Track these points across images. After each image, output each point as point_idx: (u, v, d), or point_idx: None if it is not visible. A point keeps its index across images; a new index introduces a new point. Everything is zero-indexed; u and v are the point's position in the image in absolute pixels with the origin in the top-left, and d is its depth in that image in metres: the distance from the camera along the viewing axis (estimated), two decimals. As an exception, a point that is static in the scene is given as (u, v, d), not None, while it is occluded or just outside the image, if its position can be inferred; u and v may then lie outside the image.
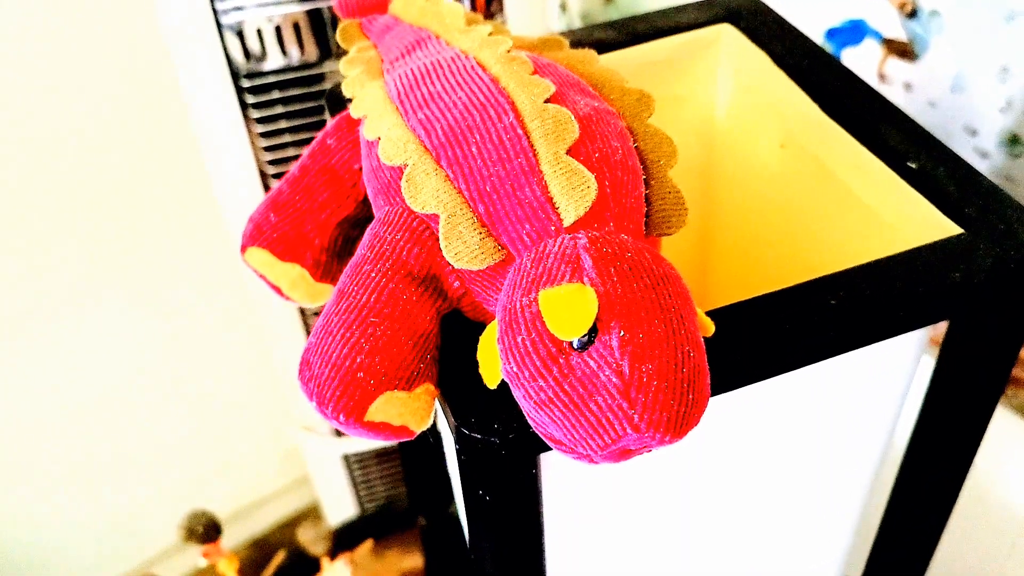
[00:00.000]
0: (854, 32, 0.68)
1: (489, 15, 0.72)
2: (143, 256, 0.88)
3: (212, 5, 0.65)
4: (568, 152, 0.29)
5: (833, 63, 0.44)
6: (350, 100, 0.36)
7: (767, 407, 0.37)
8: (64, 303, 0.86)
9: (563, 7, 0.94)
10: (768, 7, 0.48)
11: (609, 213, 0.28)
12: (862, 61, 0.68)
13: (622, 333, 0.25)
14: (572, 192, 0.28)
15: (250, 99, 0.68)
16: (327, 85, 0.69)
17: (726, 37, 0.47)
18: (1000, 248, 0.35)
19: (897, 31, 0.65)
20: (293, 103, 0.69)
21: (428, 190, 0.29)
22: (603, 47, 0.46)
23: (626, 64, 0.46)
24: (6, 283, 0.82)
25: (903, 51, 0.66)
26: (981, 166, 0.64)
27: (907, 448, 0.41)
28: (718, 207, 0.51)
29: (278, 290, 0.38)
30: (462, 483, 0.32)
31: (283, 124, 0.70)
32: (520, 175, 0.28)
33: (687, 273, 0.54)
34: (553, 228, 0.28)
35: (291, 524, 1.09)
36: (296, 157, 0.72)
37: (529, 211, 0.28)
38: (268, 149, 0.71)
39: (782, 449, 0.40)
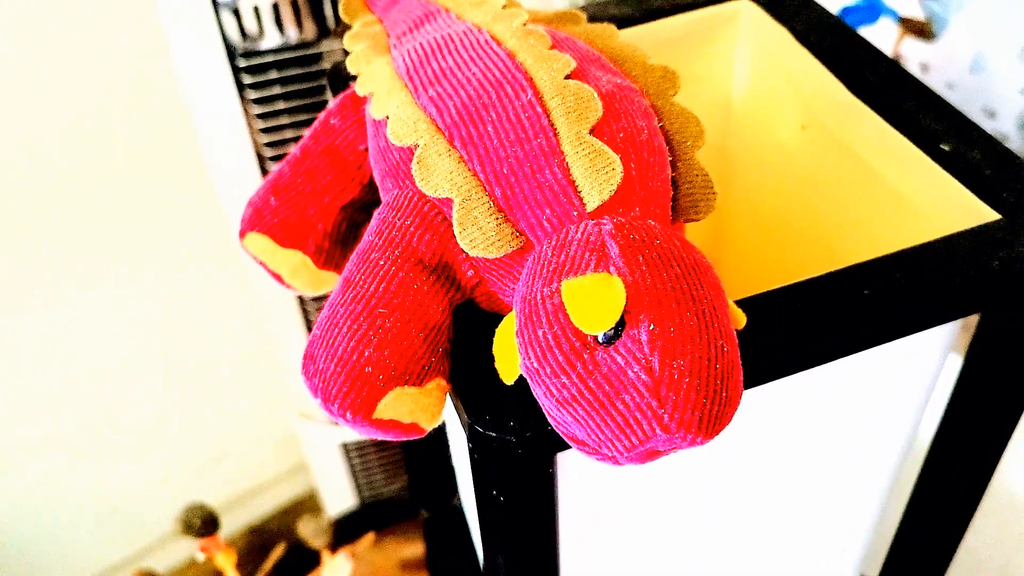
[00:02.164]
0: (870, 10, 0.66)
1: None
2: (139, 241, 0.86)
3: (207, -20, 0.62)
4: (591, 132, 0.27)
5: (858, 39, 0.42)
6: (355, 77, 0.33)
7: (789, 401, 0.35)
8: (59, 288, 0.84)
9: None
10: (789, -19, 0.46)
11: (635, 197, 0.27)
12: (878, 40, 0.66)
13: (651, 327, 0.24)
14: (596, 175, 0.26)
15: (247, 79, 0.66)
16: (326, 65, 0.67)
17: (745, 12, 0.45)
18: (1040, 235, 0.33)
19: (914, 10, 0.63)
20: (291, 83, 0.67)
21: (441, 172, 0.27)
22: (618, 23, 0.44)
23: (642, 41, 0.44)
24: (2, 268, 0.80)
25: (920, 30, 0.64)
26: (1000, 149, 0.62)
27: (931, 445, 0.39)
28: (736, 190, 0.49)
29: (278, 278, 0.36)
30: (475, 483, 0.30)
31: (281, 105, 0.68)
32: (540, 156, 0.26)
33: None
34: (575, 213, 0.26)
35: (289, 511, 1.08)
36: (294, 139, 0.70)
37: (550, 195, 0.26)
38: (265, 131, 0.69)
39: (801, 445, 0.38)
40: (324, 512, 0.98)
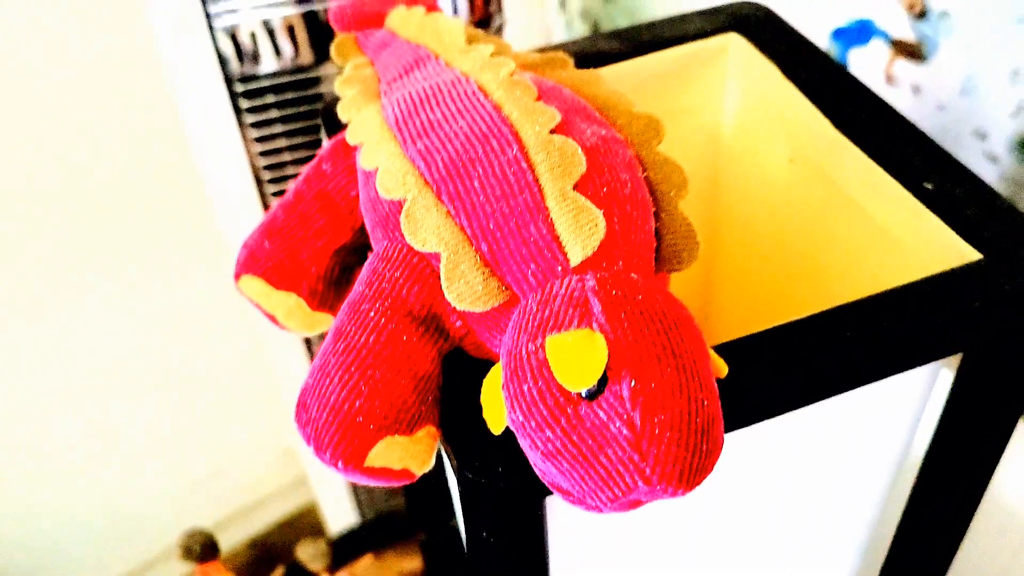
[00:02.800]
0: (861, 32, 0.67)
1: (487, 13, 0.71)
2: (140, 258, 0.87)
3: (205, 7, 0.63)
4: (575, 187, 0.27)
5: (845, 75, 0.43)
6: (346, 125, 0.34)
7: (776, 439, 0.36)
8: (60, 304, 0.85)
9: (562, 3, 0.92)
10: (777, 15, 0.47)
11: (618, 251, 0.27)
12: (869, 62, 0.67)
13: (633, 383, 0.24)
14: (579, 231, 0.27)
15: (244, 103, 0.67)
16: (323, 89, 0.68)
17: (734, 47, 0.45)
18: (1021, 275, 0.33)
19: (906, 32, 0.64)
20: (288, 107, 0.68)
21: (428, 227, 0.28)
22: (607, 58, 0.44)
23: (631, 75, 0.45)
24: (3, 284, 0.81)
25: (912, 52, 0.65)
26: (991, 171, 0.63)
27: (918, 477, 0.40)
28: (725, 221, 0.50)
29: (273, 319, 0.37)
30: (465, 525, 0.31)
31: (278, 128, 0.68)
32: (525, 212, 0.27)
33: (693, 290, 0.53)
34: (560, 268, 0.27)
35: (289, 525, 1.08)
36: (292, 162, 0.70)
37: (534, 250, 0.27)
38: (263, 154, 0.69)
39: (790, 481, 0.39)
40: (325, 527, 0.98)
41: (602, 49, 0.45)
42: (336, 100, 0.37)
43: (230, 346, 0.98)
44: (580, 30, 0.92)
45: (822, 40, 0.69)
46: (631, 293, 0.26)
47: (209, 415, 1.01)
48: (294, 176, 0.71)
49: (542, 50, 0.42)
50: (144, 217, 0.85)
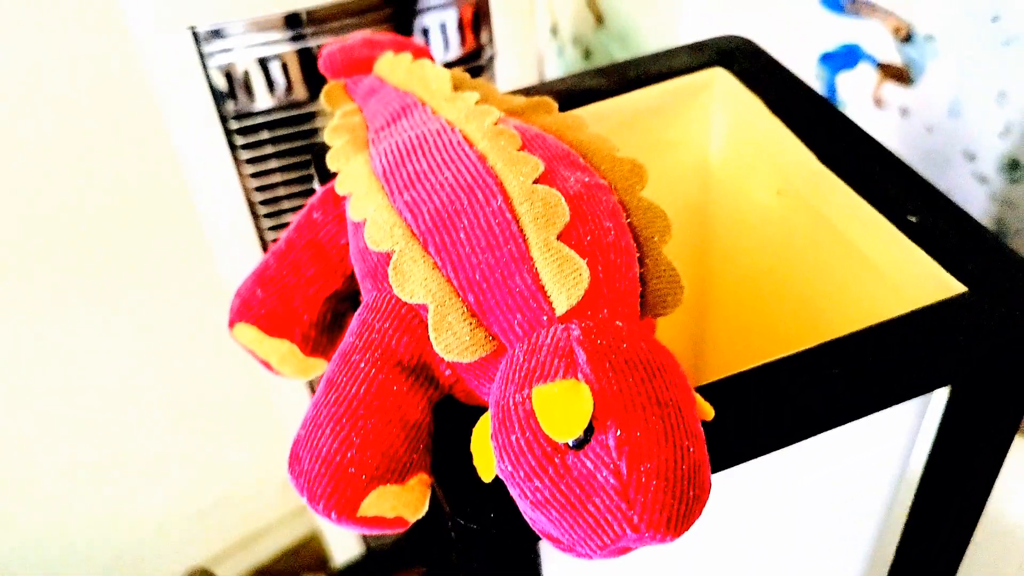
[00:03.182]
0: (849, 57, 0.67)
1: (478, 45, 0.72)
2: (140, 292, 0.87)
3: (198, 47, 0.64)
4: (559, 236, 0.28)
5: (829, 108, 0.43)
6: (335, 174, 0.35)
7: (766, 475, 0.36)
8: (61, 336, 0.86)
9: (554, 31, 0.93)
10: (762, 49, 0.47)
11: (603, 299, 0.28)
12: (858, 86, 0.67)
13: (618, 432, 0.25)
14: (564, 280, 0.27)
15: (239, 140, 0.67)
16: (317, 124, 0.68)
17: (719, 81, 0.46)
18: (1005, 307, 0.34)
19: (892, 56, 0.64)
20: (283, 142, 0.68)
21: (416, 279, 0.28)
22: (595, 95, 0.45)
23: (618, 111, 0.45)
24: (3, 315, 0.82)
25: (899, 76, 0.65)
26: (981, 191, 0.63)
27: (913, 503, 0.40)
28: (716, 253, 0.50)
29: (267, 365, 0.37)
30: (461, 570, 0.31)
31: (273, 164, 0.69)
32: (510, 262, 0.28)
33: (688, 323, 0.53)
34: (545, 318, 0.27)
35: (292, 554, 1.08)
36: (287, 196, 0.71)
37: (520, 300, 0.27)
38: (259, 189, 0.70)
39: (784, 514, 0.39)
40: (328, 557, 0.98)
41: (589, 86, 0.45)
42: (326, 147, 0.37)
43: (230, 377, 0.98)
44: (572, 56, 0.93)
45: (810, 65, 0.69)
46: (616, 342, 0.26)
47: (211, 445, 1.02)
48: (290, 210, 0.72)
49: (528, 91, 0.43)
50: (143, 252, 0.85)
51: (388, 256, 0.29)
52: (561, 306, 0.27)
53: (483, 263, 0.28)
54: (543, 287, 0.27)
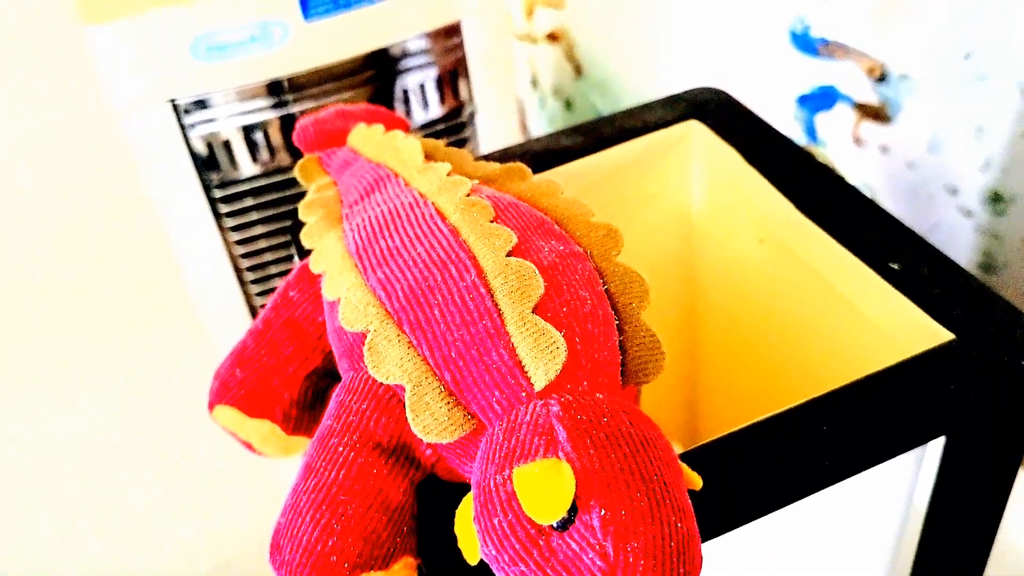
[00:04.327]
0: (825, 98, 0.68)
1: (459, 103, 0.72)
2: (131, 362, 0.87)
3: (179, 118, 0.64)
4: (534, 310, 0.27)
5: (805, 156, 0.43)
6: (309, 251, 0.34)
7: (763, 539, 0.35)
8: (54, 403, 0.85)
9: (534, 83, 0.94)
10: (735, 100, 0.47)
11: (581, 372, 0.27)
12: (836, 126, 0.68)
13: (603, 512, 0.24)
14: (541, 355, 0.27)
15: (223, 208, 0.68)
16: (302, 188, 0.68)
17: (695, 134, 0.46)
18: (992, 353, 0.33)
19: (868, 95, 0.65)
20: (268, 208, 0.68)
21: (391, 359, 0.28)
22: (571, 154, 0.45)
23: (596, 169, 0.45)
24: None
25: (876, 114, 0.66)
26: (966, 225, 0.63)
27: (915, 558, 0.39)
28: (703, 304, 0.50)
29: (249, 446, 0.36)
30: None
31: (259, 230, 0.69)
32: (486, 338, 0.27)
33: (680, 377, 0.53)
34: (524, 394, 0.27)
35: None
36: (273, 261, 0.71)
37: (498, 377, 0.27)
38: (245, 256, 0.70)
39: (785, 571, 0.38)
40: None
41: (565, 145, 0.45)
42: (301, 224, 0.37)
43: (226, 442, 0.97)
44: (554, 107, 0.93)
45: (789, 107, 0.70)
46: (597, 416, 0.25)
47: (208, 510, 1.00)
48: (277, 275, 0.72)
49: (504, 153, 0.43)
50: (130, 321, 0.85)
51: (363, 336, 0.29)
52: (539, 381, 0.26)
53: (459, 340, 0.27)
54: (520, 363, 0.27)
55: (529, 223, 0.31)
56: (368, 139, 0.39)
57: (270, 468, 0.95)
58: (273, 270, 0.71)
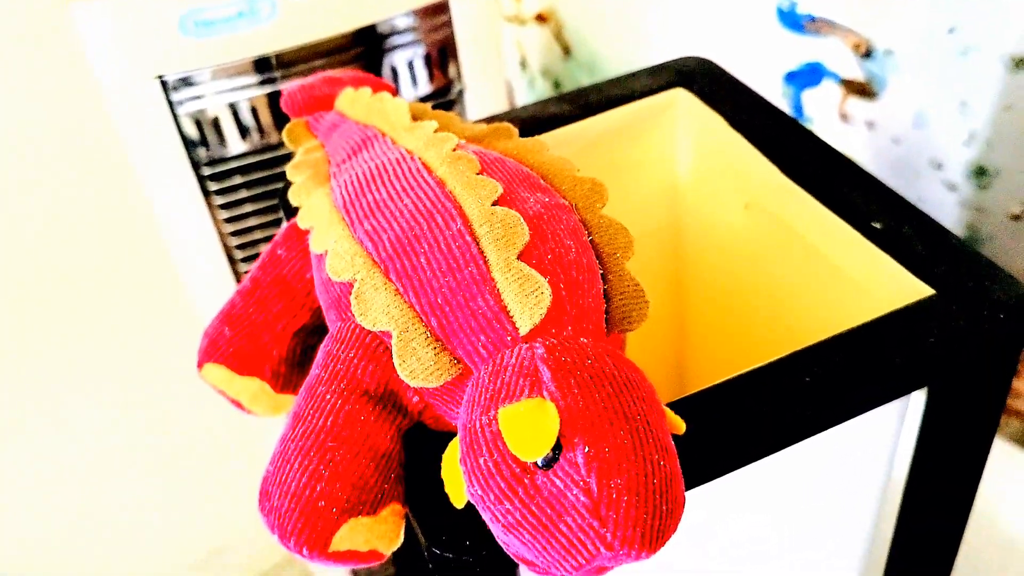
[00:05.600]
0: (812, 74, 0.68)
1: (447, 81, 0.72)
2: (117, 340, 0.87)
3: (167, 95, 0.64)
4: (519, 256, 0.28)
5: (790, 122, 0.44)
6: (297, 211, 0.35)
7: (750, 487, 0.36)
8: (47, 393, 0.85)
9: (523, 64, 0.94)
10: (721, 68, 0.48)
11: (566, 317, 0.27)
12: (823, 102, 0.68)
13: (587, 449, 0.24)
14: (526, 299, 0.27)
15: (212, 185, 0.68)
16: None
17: (681, 101, 0.47)
18: (973, 307, 0.34)
19: (854, 71, 0.65)
20: (256, 186, 0.68)
21: (378, 306, 0.28)
22: (558, 121, 0.45)
23: (582, 136, 0.45)
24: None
25: (862, 90, 0.66)
26: (951, 199, 0.64)
27: (900, 506, 0.40)
28: (690, 269, 0.50)
29: (239, 404, 0.37)
30: (439, 602, 0.30)
31: (248, 208, 0.69)
32: (472, 284, 0.27)
33: (668, 341, 0.53)
34: (509, 338, 0.27)
35: (288, 603, 1.06)
36: (263, 239, 0.71)
37: (483, 322, 0.27)
38: (234, 234, 0.70)
39: (769, 524, 0.39)
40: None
41: (553, 112, 0.46)
42: (288, 184, 0.37)
43: (220, 424, 0.97)
44: (543, 87, 0.94)
45: (776, 84, 0.70)
46: (580, 358, 0.26)
47: (205, 494, 1.00)
48: (267, 253, 0.72)
49: (491, 120, 0.43)
50: (120, 299, 0.85)
51: (350, 286, 0.29)
52: (524, 325, 0.27)
53: (444, 287, 0.28)
54: (505, 308, 0.27)
55: (515, 176, 0.31)
56: (356, 102, 0.39)
57: (264, 456, 0.95)
58: (263, 247, 0.71)
